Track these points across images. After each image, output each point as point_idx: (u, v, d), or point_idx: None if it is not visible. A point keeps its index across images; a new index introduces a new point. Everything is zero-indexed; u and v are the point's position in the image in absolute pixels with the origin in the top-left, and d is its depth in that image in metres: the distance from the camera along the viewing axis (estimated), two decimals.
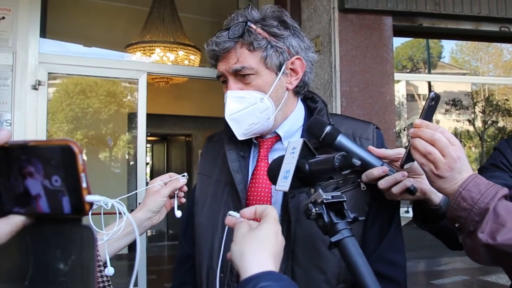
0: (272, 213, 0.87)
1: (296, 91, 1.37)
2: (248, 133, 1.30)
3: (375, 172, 1.15)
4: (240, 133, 1.29)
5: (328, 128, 1.17)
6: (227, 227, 0.98)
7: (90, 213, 0.59)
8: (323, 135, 1.17)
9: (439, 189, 1.05)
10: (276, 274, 0.76)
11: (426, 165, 1.02)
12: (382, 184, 1.14)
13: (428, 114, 1.06)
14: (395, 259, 1.26)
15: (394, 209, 1.29)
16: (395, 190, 1.13)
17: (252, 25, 1.25)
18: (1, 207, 0.60)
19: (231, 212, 0.95)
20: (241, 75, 1.26)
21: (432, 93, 1.06)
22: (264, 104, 1.27)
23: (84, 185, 0.56)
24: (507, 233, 0.95)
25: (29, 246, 0.61)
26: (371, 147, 1.21)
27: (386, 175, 1.14)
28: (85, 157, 0.57)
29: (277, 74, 1.28)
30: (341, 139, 1.16)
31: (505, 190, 1.01)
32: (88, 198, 0.57)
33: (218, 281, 1.07)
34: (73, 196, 0.57)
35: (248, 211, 0.92)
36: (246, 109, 1.26)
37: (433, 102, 1.06)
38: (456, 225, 1.05)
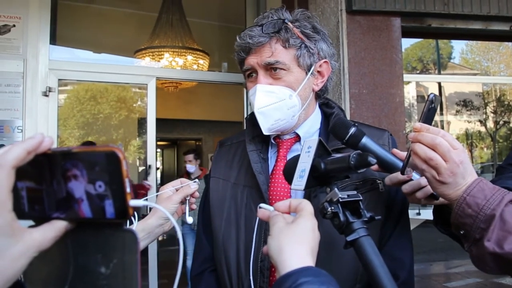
0: (307, 207, 0.86)
1: (318, 95, 1.40)
2: (273, 129, 1.31)
3: (400, 176, 1.13)
4: (266, 128, 1.30)
5: (353, 130, 1.14)
6: (257, 220, 0.98)
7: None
8: (348, 136, 1.14)
9: (442, 195, 1.01)
10: (315, 269, 0.75)
11: (427, 171, 0.98)
12: (406, 188, 1.12)
13: (428, 117, 1.01)
14: (399, 256, 1.25)
15: (402, 208, 1.30)
16: (419, 195, 1.10)
17: (289, 24, 1.28)
18: (43, 212, 0.61)
19: (263, 205, 0.95)
20: (272, 70, 1.28)
21: (431, 95, 1.00)
22: (292, 101, 1.29)
23: (128, 190, 0.57)
24: None
25: (70, 251, 0.63)
26: (395, 150, 1.19)
27: (411, 179, 1.12)
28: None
29: (306, 74, 1.31)
30: (366, 141, 1.13)
31: (511, 195, 0.96)
32: (132, 202, 0.58)
33: (252, 283, 1.07)
34: (117, 201, 0.58)
35: (283, 204, 0.91)
36: (275, 104, 1.27)
37: (432, 104, 1.00)
38: (461, 232, 1.01)
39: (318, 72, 1.35)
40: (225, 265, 1.32)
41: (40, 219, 0.61)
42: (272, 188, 1.30)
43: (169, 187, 1.34)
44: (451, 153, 0.95)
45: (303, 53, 1.28)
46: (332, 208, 0.89)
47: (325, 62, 1.35)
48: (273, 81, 1.28)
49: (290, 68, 1.28)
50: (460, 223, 0.99)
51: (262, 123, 1.29)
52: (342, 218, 0.89)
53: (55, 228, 0.60)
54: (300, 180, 0.96)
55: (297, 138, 1.37)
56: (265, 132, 1.30)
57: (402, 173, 1.07)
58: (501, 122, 8.85)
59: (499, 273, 1.01)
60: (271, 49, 1.27)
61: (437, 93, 8.51)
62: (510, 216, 0.92)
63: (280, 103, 1.27)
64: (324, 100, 1.45)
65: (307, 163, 0.95)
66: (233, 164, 1.43)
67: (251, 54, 1.30)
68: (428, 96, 1.01)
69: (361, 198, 0.92)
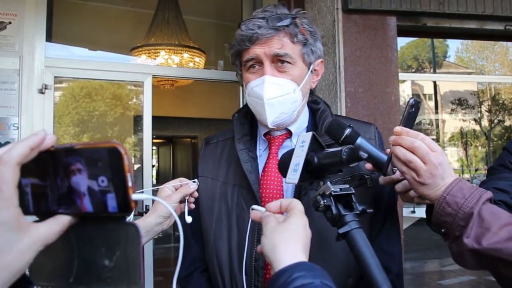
0: (298, 206, 0.89)
1: (310, 92, 1.42)
2: (276, 122, 1.31)
3: (393, 175, 1.15)
4: (271, 120, 1.29)
5: (348, 131, 1.16)
6: (250, 222, 0.99)
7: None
8: (343, 137, 1.16)
9: (423, 195, 1.05)
10: (309, 264, 0.78)
11: (407, 173, 1.02)
12: (399, 187, 1.15)
13: (408, 121, 1.06)
14: (390, 249, 1.29)
15: (390, 203, 1.33)
16: (412, 194, 1.13)
17: (297, 20, 1.30)
18: (47, 208, 0.62)
19: (255, 207, 0.97)
20: (278, 62, 1.28)
21: (412, 100, 1.05)
22: (295, 95, 1.30)
23: (130, 184, 0.59)
24: (492, 237, 0.95)
25: (74, 245, 0.64)
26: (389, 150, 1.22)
27: (404, 178, 1.14)
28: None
29: (308, 70, 1.33)
30: (361, 141, 1.15)
31: (489, 194, 1.00)
32: (134, 196, 0.59)
33: (245, 282, 1.09)
34: (120, 195, 0.59)
35: (274, 205, 0.94)
36: (282, 97, 1.28)
37: (413, 108, 1.05)
38: (442, 231, 1.05)
39: (315, 70, 1.38)
40: (217, 265, 1.32)
41: (44, 215, 0.62)
42: (264, 186, 1.31)
43: (169, 186, 1.35)
44: (429, 156, 0.99)
45: (307, 49, 1.31)
46: (325, 201, 0.92)
47: (321, 61, 1.38)
48: (278, 73, 1.28)
49: (296, 63, 1.29)
50: (440, 221, 1.03)
51: (269, 115, 1.28)
52: (334, 211, 0.91)
53: (59, 222, 0.61)
54: (294, 173, 0.98)
55: (288, 134, 1.37)
56: (270, 125, 1.30)
57: (384, 175, 1.10)
58: (495, 121, 8.89)
59: (478, 268, 1.05)
60: (280, 41, 1.27)
61: (432, 91, 8.55)
62: (487, 214, 0.96)
63: (286, 97, 1.28)
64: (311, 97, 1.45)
65: (301, 157, 0.97)
66: (221, 163, 1.43)
67: (257, 45, 1.28)
68: (409, 100, 1.05)
69: (353, 191, 0.94)
